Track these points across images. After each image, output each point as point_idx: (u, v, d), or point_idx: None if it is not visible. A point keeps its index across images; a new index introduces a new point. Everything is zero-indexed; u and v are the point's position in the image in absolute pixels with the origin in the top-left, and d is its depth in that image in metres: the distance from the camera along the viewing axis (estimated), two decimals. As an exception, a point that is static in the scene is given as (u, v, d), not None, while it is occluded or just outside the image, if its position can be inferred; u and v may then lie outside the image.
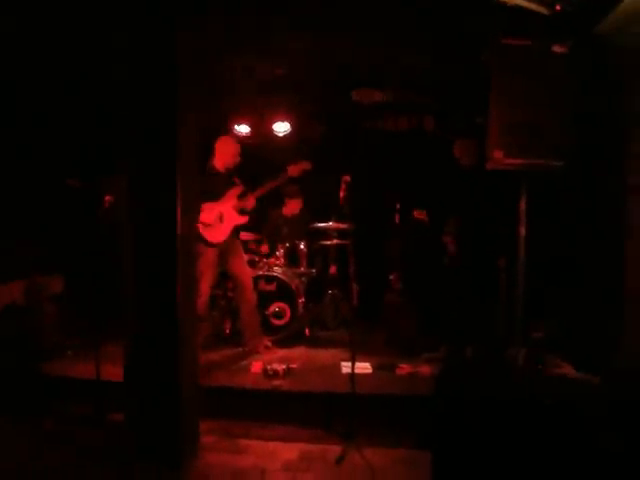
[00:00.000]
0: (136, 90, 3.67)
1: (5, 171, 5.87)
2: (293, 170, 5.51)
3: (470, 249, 4.98)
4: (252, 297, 5.59)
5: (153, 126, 3.63)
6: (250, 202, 5.50)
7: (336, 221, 6.33)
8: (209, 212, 5.34)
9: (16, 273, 5.46)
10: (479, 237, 4.90)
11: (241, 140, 6.87)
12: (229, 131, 7.00)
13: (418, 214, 5.51)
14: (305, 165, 5.55)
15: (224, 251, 5.44)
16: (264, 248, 6.53)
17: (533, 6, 4.11)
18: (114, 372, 3.95)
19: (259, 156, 6.86)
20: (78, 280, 5.85)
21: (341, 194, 4.46)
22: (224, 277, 5.93)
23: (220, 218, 5.41)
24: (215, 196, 5.44)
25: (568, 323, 4.23)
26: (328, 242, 6.65)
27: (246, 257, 5.90)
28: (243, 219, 5.55)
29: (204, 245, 5.27)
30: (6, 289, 5.28)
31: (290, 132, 7.12)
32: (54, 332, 5.61)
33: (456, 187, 5.15)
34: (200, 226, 5.21)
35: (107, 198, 4.61)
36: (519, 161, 3.85)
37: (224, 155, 5.49)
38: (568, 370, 3.82)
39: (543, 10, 4.14)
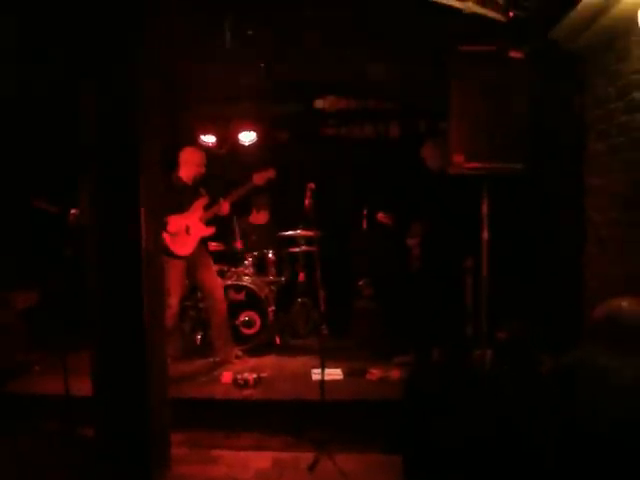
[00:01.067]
0: (99, 105, 3.65)
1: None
2: (258, 178, 5.51)
3: (435, 252, 5.03)
4: (222, 308, 5.57)
5: (116, 138, 3.61)
6: (224, 207, 5.48)
7: (303, 229, 6.36)
8: (176, 225, 5.31)
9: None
10: (444, 240, 4.95)
11: (208, 150, 6.91)
12: (195, 141, 6.98)
13: (382, 217, 5.55)
14: (270, 173, 5.54)
15: (192, 263, 5.42)
16: (237, 244, 6.48)
17: (489, 13, 4.19)
18: (84, 386, 3.91)
19: (225, 166, 6.86)
20: (48, 295, 5.79)
21: (306, 201, 4.49)
22: (194, 289, 5.91)
23: (187, 230, 5.39)
24: (181, 208, 5.40)
25: (532, 323, 4.29)
26: (296, 249, 6.66)
27: (215, 268, 5.89)
28: (209, 230, 5.53)
29: (171, 258, 5.23)
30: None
31: (256, 141, 7.12)
32: (21, 348, 5.53)
33: (421, 191, 5.20)
34: (167, 238, 5.20)
35: (72, 212, 4.56)
36: (479, 165, 3.92)
37: (189, 165, 5.46)
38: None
39: (499, 17, 4.22)
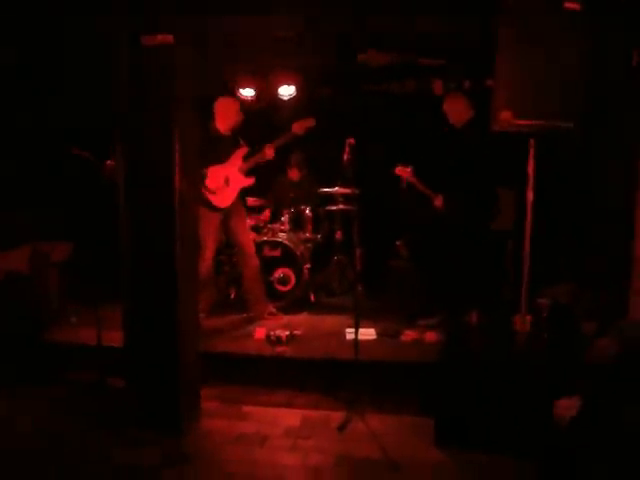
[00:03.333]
0: (134, 52, 3.56)
1: (10, 139, 5.83)
2: (297, 127, 5.34)
3: (473, 213, 4.89)
4: (255, 263, 5.52)
5: (150, 85, 3.53)
6: (269, 152, 5.37)
7: (342, 186, 6.24)
8: (215, 176, 5.25)
9: (20, 240, 5.43)
10: (484, 200, 4.80)
11: (246, 103, 6.80)
12: (232, 94, 6.87)
13: (400, 171, 5.37)
14: (309, 122, 5.36)
15: (227, 215, 5.36)
16: (265, 216, 6.43)
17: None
18: (117, 338, 3.91)
19: (263, 118, 6.74)
20: (85, 246, 5.82)
21: (345, 157, 4.37)
22: (229, 243, 5.87)
23: (226, 181, 5.32)
24: (220, 159, 5.33)
25: (575, 289, 4.15)
26: (334, 207, 6.56)
27: (249, 222, 5.83)
28: (249, 181, 5.44)
29: (209, 210, 5.19)
30: (9, 256, 5.25)
31: (295, 95, 6.97)
32: (57, 299, 5.59)
33: (461, 150, 5.03)
34: (206, 191, 5.16)
35: (108, 162, 4.53)
36: (528, 122, 3.72)
37: (225, 116, 5.35)
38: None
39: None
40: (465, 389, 3.46)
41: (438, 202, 5.14)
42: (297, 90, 6.95)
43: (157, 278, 3.58)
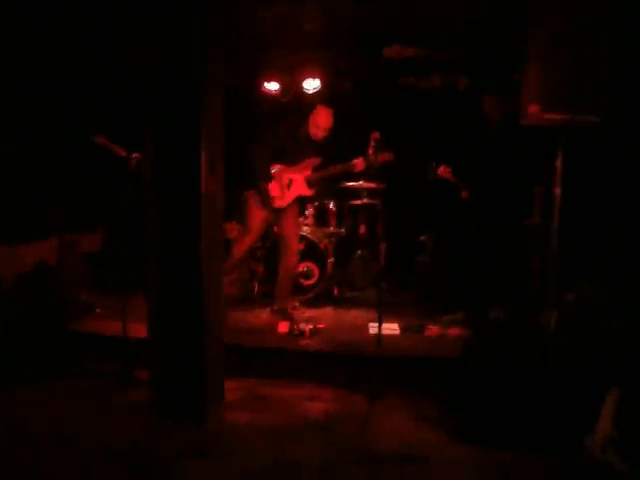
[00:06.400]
0: (162, 46, 3.58)
1: (38, 130, 5.89)
2: (373, 159, 4.85)
3: (498, 209, 4.86)
4: (293, 260, 5.55)
5: (179, 82, 3.56)
6: (359, 165, 5.41)
7: (366, 180, 6.22)
8: (280, 176, 5.34)
9: (49, 231, 5.49)
10: (508, 196, 4.77)
11: (270, 97, 6.81)
12: (258, 88, 6.90)
13: (444, 171, 5.36)
14: (387, 157, 5.10)
15: (280, 215, 5.45)
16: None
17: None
18: (142, 329, 3.94)
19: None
20: (113, 238, 5.87)
21: (370, 151, 4.35)
22: (263, 238, 5.91)
23: (288, 185, 5.40)
24: (294, 161, 5.41)
25: (602, 286, 4.10)
26: (358, 202, 6.54)
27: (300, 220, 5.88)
28: (309, 192, 5.53)
29: (263, 206, 5.29)
30: (37, 247, 5.31)
31: (320, 89, 6.94)
32: (84, 290, 5.65)
33: (486, 145, 5.00)
34: (270, 188, 5.29)
35: (134, 155, 4.56)
36: (557, 116, 3.68)
37: (320, 123, 5.35)
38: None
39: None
40: (489, 385, 3.43)
41: (465, 194, 5.12)
42: (322, 84, 6.93)
43: (182, 271, 3.61)
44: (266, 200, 5.26)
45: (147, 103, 3.68)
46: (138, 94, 3.78)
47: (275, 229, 5.70)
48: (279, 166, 5.36)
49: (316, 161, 5.48)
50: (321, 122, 5.34)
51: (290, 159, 5.40)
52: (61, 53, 5.84)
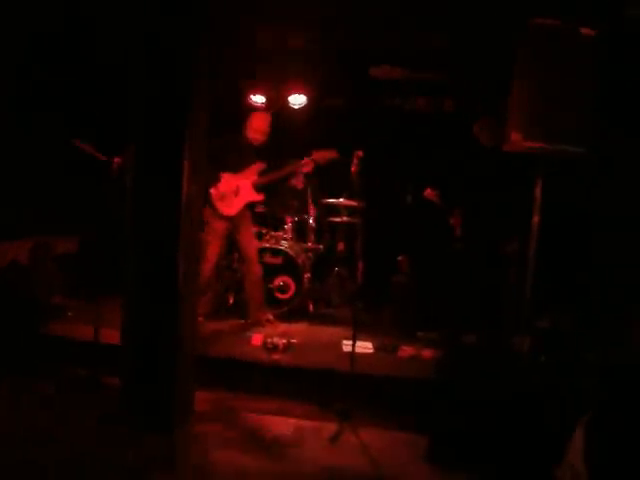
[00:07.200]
0: (149, 56, 3.58)
1: (18, 133, 5.85)
2: (318, 157, 5.33)
3: (479, 233, 4.89)
4: (257, 270, 5.54)
5: (164, 89, 3.55)
6: (298, 183, 5.81)
7: (347, 198, 6.24)
8: (227, 184, 5.32)
9: (24, 232, 5.43)
10: (488, 221, 4.81)
11: (256, 109, 6.81)
12: (244, 100, 6.91)
13: (429, 194, 5.39)
14: (332, 154, 5.31)
15: (234, 223, 5.41)
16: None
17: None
18: (114, 335, 3.89)
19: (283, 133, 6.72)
20: (89, 241, 5.82)
21: (353, 169, 4.37)
22: (231, 249, 5.86)
23: (236, 192, 5.37)
24: (237, 168, 5.40)
25: (576, 314, 4.14)
26: (338, 219, 6.56)
27: (254, 229, 5.84)
28: (259, 197, 5.53)
29: (214, 216, 5.22)
30: (12, 246, 5.25)
31: (306, 105, 6.98)
32: (56, 292, 5.58)
33: (470, 169, 5.04)
34: (215, 195, 5.24)
35: (116, 160, 4.53)
36: (538, 144, 3.72)
37: (257, 129, 5.41)
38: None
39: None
40: (460, 408, 3.44)
41: (455, 221, 5.15)
42: (308, 100, 6.96)
43: (159, 279, 3.58)
44: (214, 208, 5.26)
45: (131, 108, 3.66)
46: (122, 98, 3.77)
47: (234, 242, 5.61)
48: (225, 175, 5.35)
49: (261, 166, 5.49)
50: (258, 126, 5.40)
51: (234, 168, 5.39)
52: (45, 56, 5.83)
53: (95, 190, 4.86)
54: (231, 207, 5.35)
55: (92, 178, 4.74)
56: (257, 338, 4.94)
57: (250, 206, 5.66)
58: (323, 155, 5.34)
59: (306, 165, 5.42)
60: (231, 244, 5.66)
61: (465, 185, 5.14)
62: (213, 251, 5.27)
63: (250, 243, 5.57)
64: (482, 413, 3.36)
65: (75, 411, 3.84)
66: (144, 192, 3.61)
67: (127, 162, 4.30)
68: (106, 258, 5.01)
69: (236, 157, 5.38)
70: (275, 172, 5.53)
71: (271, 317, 5.65)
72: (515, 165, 4.31)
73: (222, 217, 5.31)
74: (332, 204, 6.43)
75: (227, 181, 5.31)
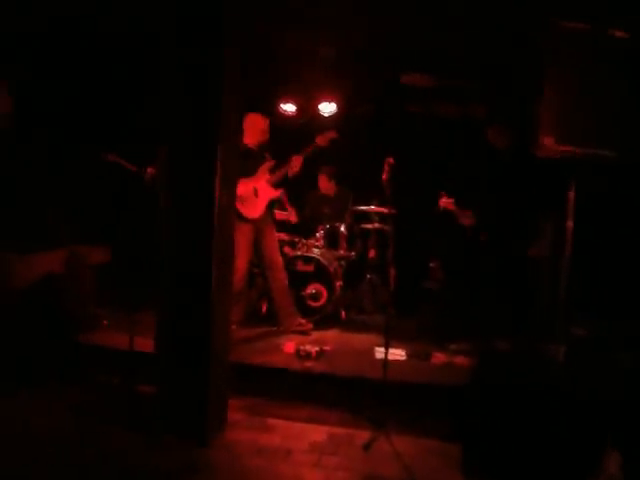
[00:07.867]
0: (180, 62, 3.63)
1: (51, 143, 5.97)
2: (320, 139, 5.44)
3: (507, 240, 4.86)
4: (282, 276, 5.58)
5: (196, 97, 3.59)
6: (296, 164, 5.44)
7: (378, 205, 6.23)
8: (244, 188, 5.33)
9: (58, 242, 5.52)
10: (519, 228, 4.77)
11: (287, 119, 6.87)
12: (274, 109, 6.95)
13: (445, 202, 5.35)
14: (331, 134, 5.44)
15: (258, 228, 5.45)
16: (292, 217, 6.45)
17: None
18: (148, 344, 3.94)
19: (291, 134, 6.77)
20: (122, 251, 5.90)
21: (384, 176, 4.37)
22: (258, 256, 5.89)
23: (255, 192, 5.42)
24: (248, 173, 5.43)
25: (613, 321, 4.06)
26: (369, 226, 6.55)
27: (285, 237, 5.86)
28: (277, 192, 5.58)
29: (240, 220, 5.24)
30: (46, 257, 5.33)
31: (336, 112, 7.00)
32: (92, 302, 5.66)
33: (498, 176, 5.01)
34: (237, 201, 5.22)
35: (149, 170, 4.60)
36: (571, 149, 3.68)
37: (253, 132, 5.46)
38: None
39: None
40: (494, 417, 3.40)
41: (467, 221, 5.13)
42: (338, 108, 6.99)
43: (192, 288, 3.62)
44: (238, 213, 5.18)
45: (165, 119, 3.72)
46: (156, 110, 3.82)
47: (258, 250, 5.60)
48: (240, 180, 5.34)
49: (270, 163, 5.54)
50: (254, 125, 5.44)
51: (246, 171, 5.39)
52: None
53: (127, 199, 4.93)
54: (255, 209, 5.41)
55: (124, 188, 4.82)
56: (290, 346, 4.96)
57: (272, 210, 5.73)
58: (324, 137, 5.44)
59: (310, 148, 5.47)
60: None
61: (488, 189, 5.10)
62: (243, 258, 5.29)
63: (275, 249, 5.60)
64: (517, 423, 3.32)
65: (110, 418, 3.89)
66: (177, 198, 3.66)
67: (159, 171, 4.38)
68: (140, 267, 5.07)
69: (244, 164, 5.35)
70: (284, 165, 5.53)
71: (303, 321, 5.65)
72: (541, 169, 4.27)
73: (247, 221, 5.35)
74: (363, 211, 6.43)
75: (243, 185, 5.30)
